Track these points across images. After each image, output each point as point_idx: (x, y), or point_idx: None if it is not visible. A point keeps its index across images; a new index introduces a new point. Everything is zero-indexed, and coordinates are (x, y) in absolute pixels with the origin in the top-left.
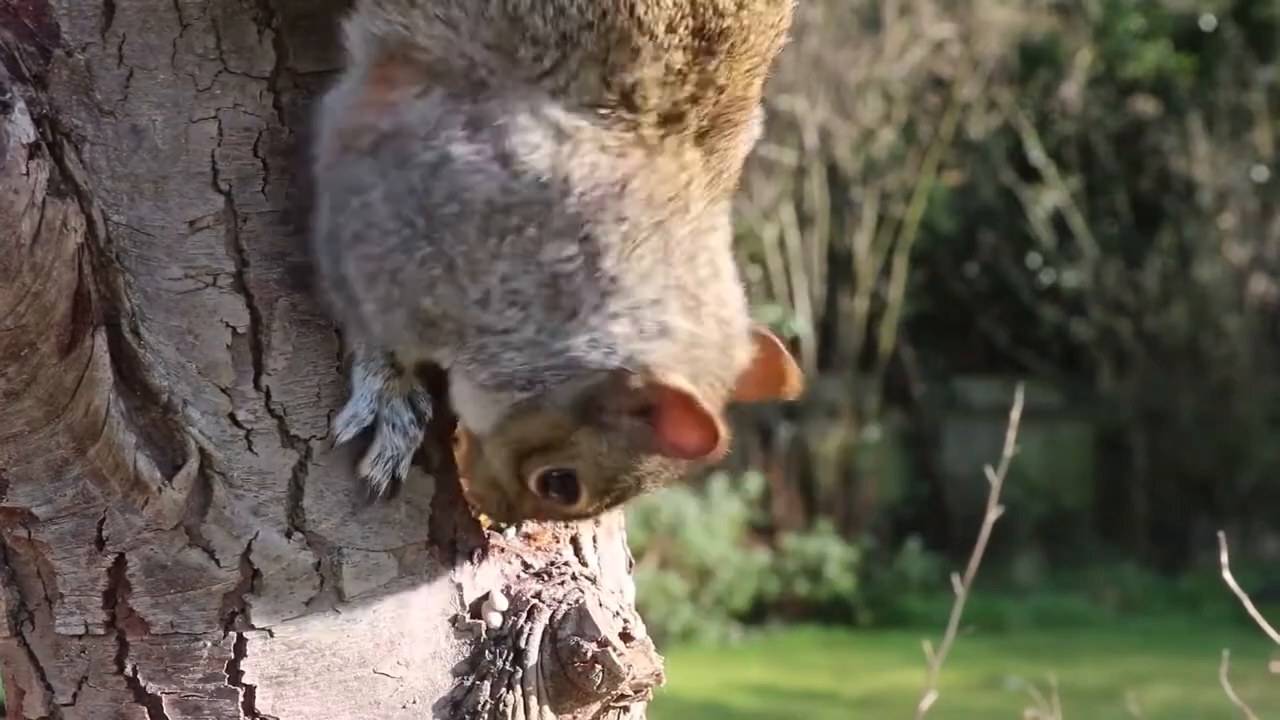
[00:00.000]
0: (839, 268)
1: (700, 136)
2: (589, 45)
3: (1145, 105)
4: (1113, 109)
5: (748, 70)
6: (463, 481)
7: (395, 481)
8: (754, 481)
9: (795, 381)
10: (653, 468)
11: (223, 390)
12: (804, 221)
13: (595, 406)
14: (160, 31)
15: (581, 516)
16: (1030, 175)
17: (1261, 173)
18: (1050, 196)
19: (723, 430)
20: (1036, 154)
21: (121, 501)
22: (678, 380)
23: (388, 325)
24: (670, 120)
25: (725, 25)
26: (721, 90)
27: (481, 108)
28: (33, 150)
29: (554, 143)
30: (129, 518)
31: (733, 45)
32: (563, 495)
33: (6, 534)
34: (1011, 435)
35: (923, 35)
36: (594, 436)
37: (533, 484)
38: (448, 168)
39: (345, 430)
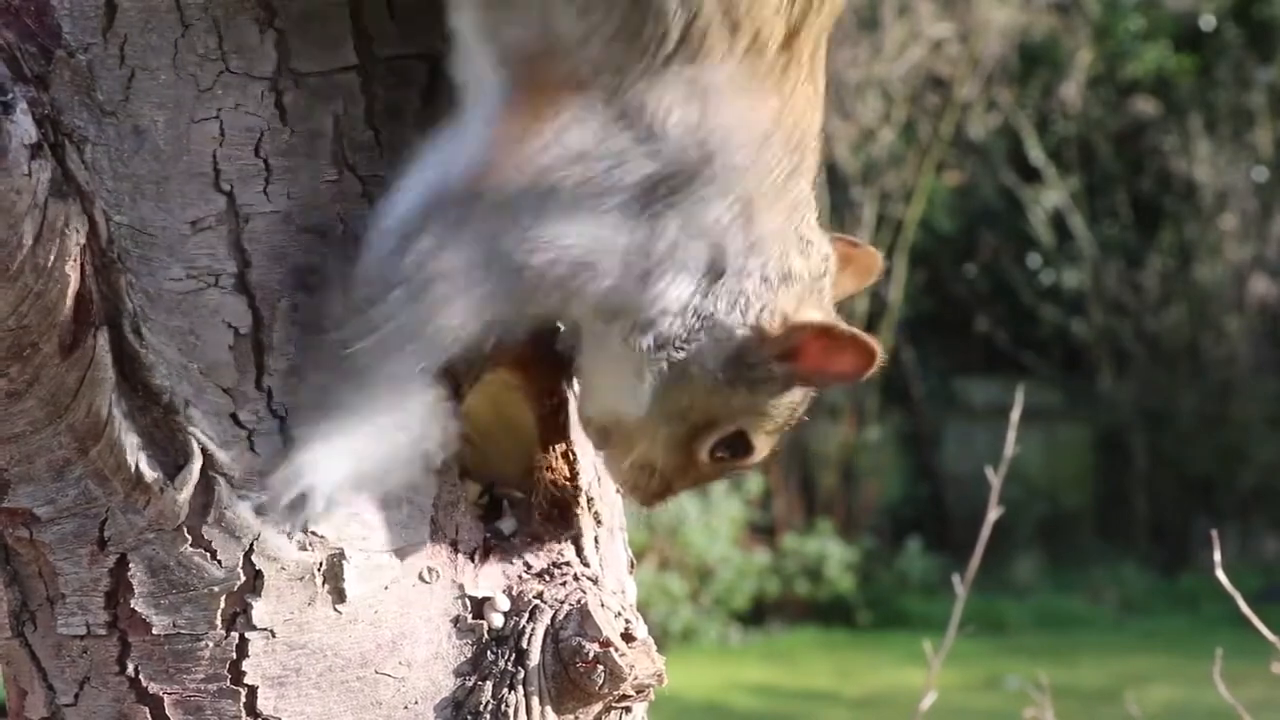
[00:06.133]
0: None
1: (811, 60)
2: None
3: (1145, 105)
4: (1113, 109)
5: None
6: (608, 469)
7: None
8: (754, 481)
9: (876, 261)
10: (800, 396)
11: (225, 391)
12: None
13: (744, 364)
14: (162, 32)
15: (754, 466)
16: (1030, 175)
17: (1261, 173)
18: (1050, 197)
19: (873, 343)
20: (1036, 154)
21: (123, 502)
22: (813, 315)
23: (499, 309)
24: (789, 43)
25: None
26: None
27: (625, 100)
28: (35, 151)
29: (699, 104)
30: (131, 518)
31: None
32: (737, 455)
33: (8, 534)
34: (1011, 435)
35: (922, 35)
36: (751, 392)
37: (704, 455)
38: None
39: None
